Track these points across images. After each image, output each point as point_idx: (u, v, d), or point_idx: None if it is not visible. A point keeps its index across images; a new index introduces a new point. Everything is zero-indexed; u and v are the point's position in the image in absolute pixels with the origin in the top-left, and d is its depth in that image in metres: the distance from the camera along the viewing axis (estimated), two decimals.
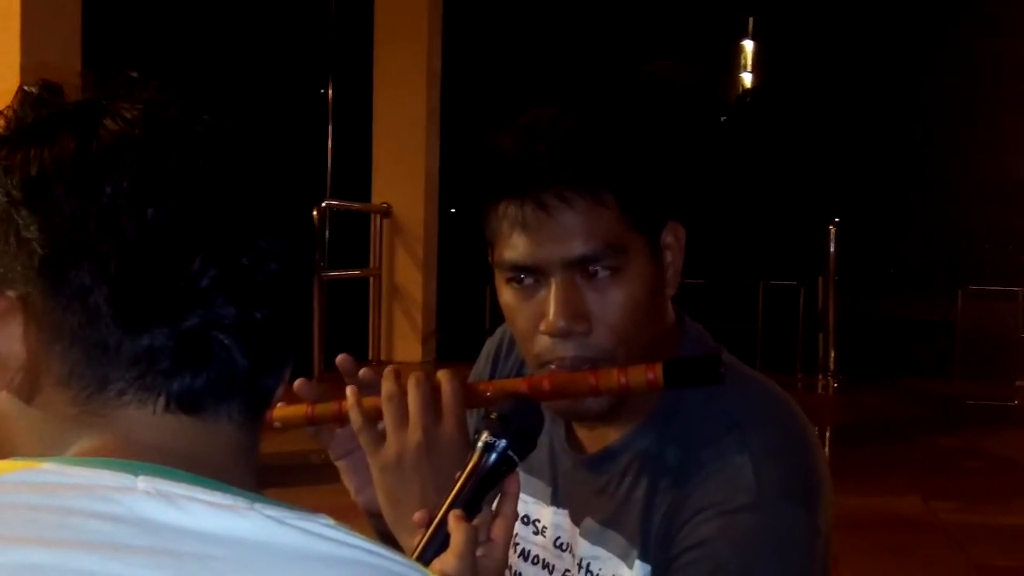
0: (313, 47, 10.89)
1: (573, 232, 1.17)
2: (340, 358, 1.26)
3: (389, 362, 8.07)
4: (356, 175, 8.97)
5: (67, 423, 0.69)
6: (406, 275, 8.41)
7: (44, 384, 0.69)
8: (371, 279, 8.33)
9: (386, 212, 8.31)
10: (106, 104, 0.71)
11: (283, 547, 0.62)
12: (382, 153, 8.46)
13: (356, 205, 8.83)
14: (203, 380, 0.69)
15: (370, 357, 8.09)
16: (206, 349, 0.68)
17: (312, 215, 0.75)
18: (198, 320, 0.67)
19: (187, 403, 0.69)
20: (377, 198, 8.43)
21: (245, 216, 0.69)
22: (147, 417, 0.69)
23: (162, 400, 0.68)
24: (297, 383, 1.21)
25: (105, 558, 0.60)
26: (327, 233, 7.47)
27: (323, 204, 7.36)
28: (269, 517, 0.63)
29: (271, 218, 0.70)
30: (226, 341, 0.68)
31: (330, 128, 10.62)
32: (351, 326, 8.13)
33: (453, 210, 8.66)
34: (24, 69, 4.42)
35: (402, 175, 8.32)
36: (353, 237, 8.62)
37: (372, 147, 8.52)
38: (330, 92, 10.61)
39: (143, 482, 0.63)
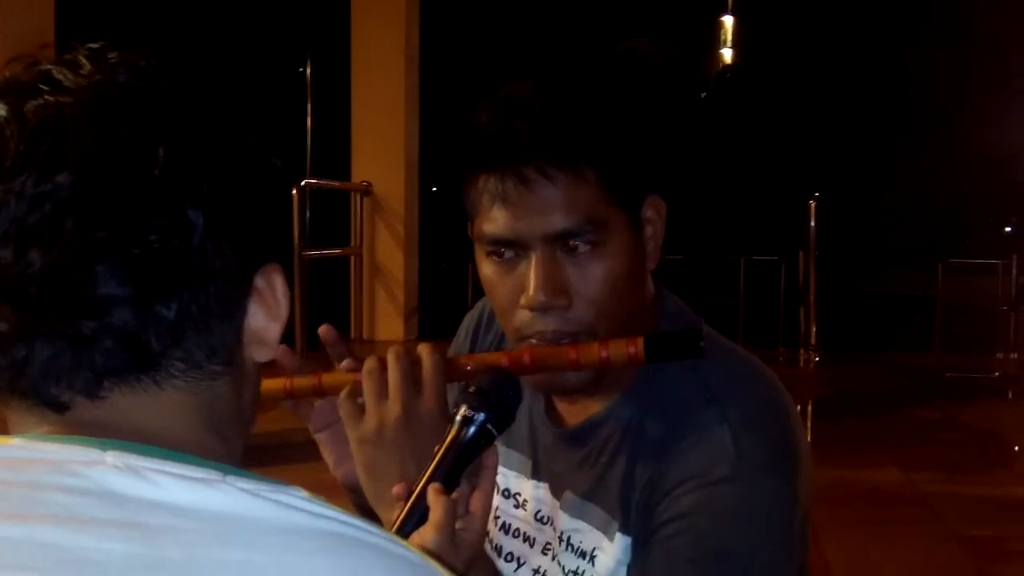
0: (291, 25, 10.83)
1: (554, 206, 1.16)
2: (323, 329, 1.26)
3: (371, 341, 8.06)
4: (336, 154, 8.93)
5: (22, 416, 0.69)
6: (387, 253, 8.40)
7: None
8: (352, 258, 8.31)
9: (366, 190, 8.28)
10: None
11: (257, 519, 0.62)
12: (361, 131, 8.43)
13: (336, 184, 8.80)
14: (109, 361, 0.67)
15: (352, 336, 8.08)
16: (100, 338, 0.66)
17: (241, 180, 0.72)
18: (92, 322, 0.66)
19: (110, 384, 0.68)
20: (357, 177, 8.40)
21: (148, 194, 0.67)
22: (84, 403, 0.68)
23: (79, 390, 0.67)
24: (279, 351, 1.20)
25: (74, 531, 0.60)
26: (307, 212, 7.43)
27: (303, 183, 7.32)
28: (242, 489, 0.63)
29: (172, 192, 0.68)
30: (119, 322, 0.66)
31: (309, 107, 10.57)
32: (333, 305, 8.11)
33: (435, 188, 8.64)
34: None
35: (382, 153, 8.29)
36: (334, 216, 8.59)
37: (351, 125, 8.49)
38: (308, 71, 10.55)
39: (111, 456, 0.63)
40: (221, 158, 0.70)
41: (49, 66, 0.70)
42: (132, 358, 0.67)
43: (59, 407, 0.67)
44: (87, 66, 0.69)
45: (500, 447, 1.35)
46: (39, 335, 0.66)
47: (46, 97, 0.67)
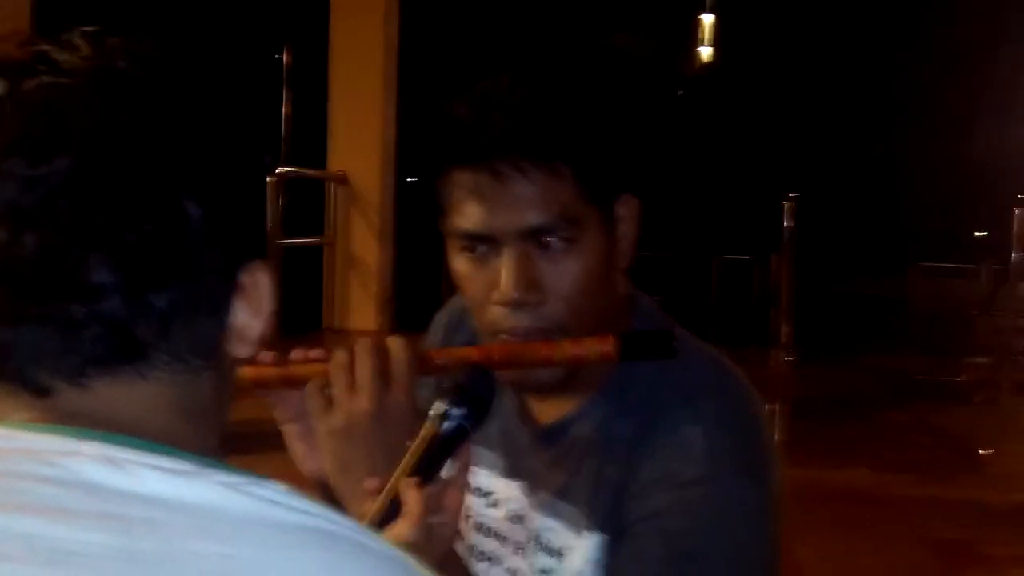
0: (268, 11, 10.77)
1: (528, 202, 1.16)
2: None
3: (343, 330, 8.04)
4: (312, 142, 8.90)
5: (1, 402, 0.68)
6: (362, 243, 8.38)
7: None
8: (325, 247, 8.29)
9: (342, 180, 8.26)
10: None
11: (235, 513, 0.62)
12: (338, 120, 8.41)
13: (311, 172, 8.77)
14: (96, 348, 0.66)
15: (324, 325, 8.07)
16: (89, 324, 0.66)
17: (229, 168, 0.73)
18: (83, 306, 0.65)
19: (95, 372, 0.67)
20: (333, 166, 8.39)
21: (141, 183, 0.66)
22: (67, 391, 0.67)
23: (63, 377, 0.67)
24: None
25: (50, 522, 0.59)
26: (281, 200, 7.41)
27: (278, 171, 7.29)
28: (221, 483, 0.63)
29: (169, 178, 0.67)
30: (110, 309, 0.66)
31: (285, 94, 10.52)
32: (306, 294, 8.09)
33: (410, 179, 8.62)
34: None
35: (358, 143, 8.28)
36: (308, 205, 8.56)
37: (328, 114, 8.46)
38: (285, 58, 10.51)
39: (88, 447, 0.62)
40: (217, 152, 0.71)
41: (45, 46, 0.69)
42: (119, 347, 0.67)
43: (42, 392, 0.66)
44: (85, 49, 0.69)
45: (474, 446, 1.34)
46: (28, 318, 0.65)
47: (43, 77, 0.67)
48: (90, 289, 0.65)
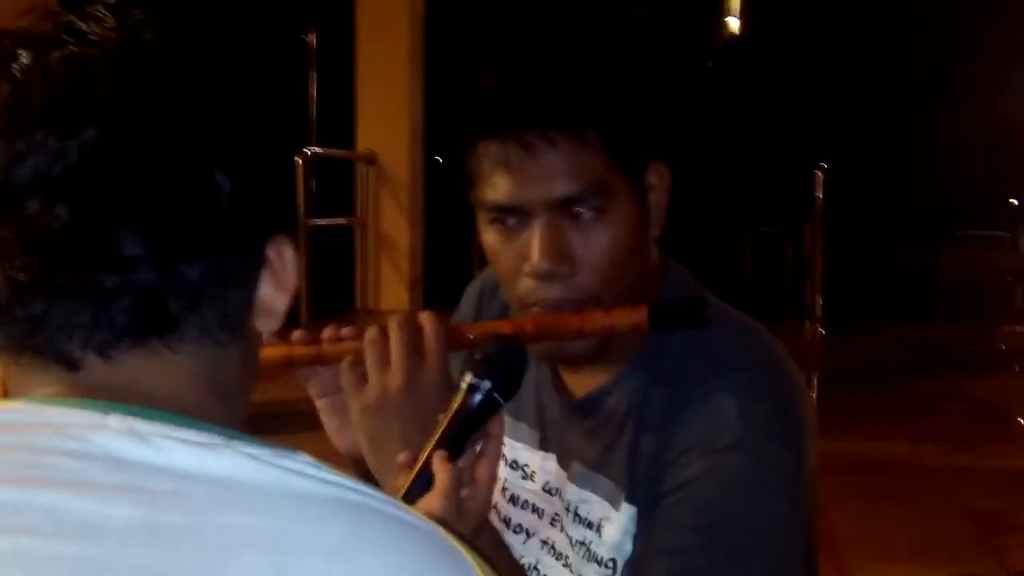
0: None
1: (557, 172, 1.15)
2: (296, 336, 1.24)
3: (375, 311, 8.06)
4: (340, 122, 8.90)
5: (25, 377, 0.68)
6: (392, 223, 8.37)
7: None
8: (356, 227, 8.30)
9: (371, 159, 8.25)
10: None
11: (262, 485, 0.61)
12: (366, 100, 8.39)
13: (340, 152, 8.77)
14: (128, 320, 0.66)
15: (356, 306, 8.08)
16: (121, 295, 0.66)
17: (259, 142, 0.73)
18: (115, 276, 0.65)
19: (125, 345, 0.67)
20: (362, 145, 8.37)
21: (171, 153, 0.66)
22: (96, 364, 0.67)
23: (94, 349, 0.66)
24: (296, 335, 1.19)
25: (76, 496, 0.59)
26: (311, 182, 7.41)
27: (307, 152, 7.29)
28: (247, 454, 0.62)
29: (203, 151, 0.68)
30: (142, 280, 0.66)
31: (313, 75, 10.52)
32: (337, 275, 8.10)
33: (439, 158, 8.60)
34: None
35: (386, 122, 8.25)
36: (338, 185, 8.57)
37: (355, 94, 8.44)
38: (313, 39, 10.50)
39: (114, 420, 0.62)
40: (246, 123, 0.70)
41: (70, 16, 0.69)
42: (151, 318, 0.67)
43: (72, 365, 0.66)
44: (110, 20, 0.69)
45: (508, 419, 1.34)
46: (60, 289, 0.65)
47: (71, 48, 0.67)
48: (122, 260, 0.65)
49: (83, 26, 0.68)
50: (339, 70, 9.05)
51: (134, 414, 0.63)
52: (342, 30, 8.74)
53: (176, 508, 0.59)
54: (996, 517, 4.45)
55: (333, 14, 9.46)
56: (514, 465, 1.35)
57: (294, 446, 0.65)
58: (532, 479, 1.34)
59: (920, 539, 4.22)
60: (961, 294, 9.87)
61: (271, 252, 0.73)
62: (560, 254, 1.16)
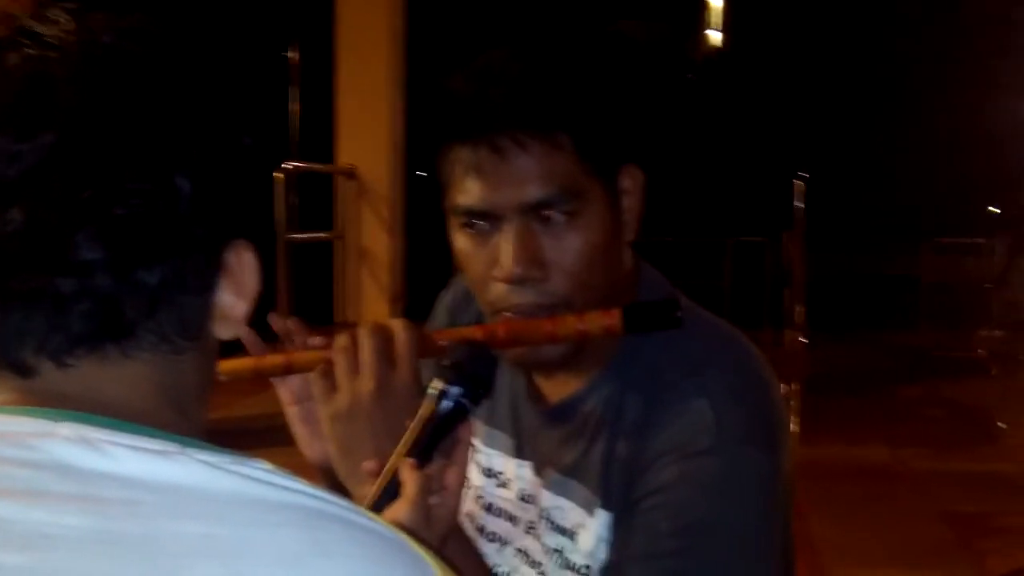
0: (276, 8, 10.77)
1: (528, 176, 1.14)
2: (278, 322, 1.22)
3: (355, 324, 8.00)
4: (321, 137, 8.88)
5: None
6: (372, 237, 8.35)
7: None
8: (336, 241, 8.28)
9: (351, 174, 8.24)
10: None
11: (218, 492, 0.60)
12: (346, 115, 8.37)
13: (320, 167, 8.75)
14: (84, 326, 0.65)
15: (336, 319, 8.05)
16: (77, 300, 0.65)
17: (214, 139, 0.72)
18: (72, 280, 0.64)
19: (81, 351, 0.66)
20: (342, 160, 8.36)
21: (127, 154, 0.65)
22: (50, 371, 0.66)
23: (48, 355, 0.65)
24: (248, 337, 1.18)
25: (26, 506, 0.58)
26: (292, 196, 7.38)
27: (287, 166, 7.27)
28: (202, 462, 0.61)
29: (157, 151, 0.66)
30: (99, 285, 0.65)
31: (294, 91, 10.52)
32: (318, 288, 8.08)
33: (423, 173, 8.58)
34: None
35: (367, 137, 8.24)
36: (318, 199, 8.55)
37: (335, 108, 8.43)
38: (294, 54, 10.50)
39: (65, 428, 0.61)
40: (206, 127, 0.69)
41: (26, 19, 0.68)
42: (107, 324, 0.66)
43: (25, 372, 0.65)
44: (68, 23, 0.68)
45: (483, 427, 1.33)
46: (14, 294, 0.64)
47: (28, 50, 0.66)
48: (79, 264, 0.64)
49: (40, 28, 0.67)
50: (320, 85, 9.04)
51: (86, 421, 0.62)
52: (323, 46, 8.74)
53: (129, 516, 0.58)
54: (977, 521, 4.46)
55: (314, 30, 9.46)
56: (489, 473, 1.35)
57: (269, 460, 0.64)
58: (507, 487, 1.33)
59: (901, 544, 4.23)
60: (940, 301, 9.92)
61: (231, 258, 0.72)
62: (532, 259, 1.15)
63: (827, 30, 13.10)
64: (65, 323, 0.65)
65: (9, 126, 0.64)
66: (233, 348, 1.01)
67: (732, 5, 13.56)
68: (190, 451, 0.62)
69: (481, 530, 1.33)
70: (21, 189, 0.63)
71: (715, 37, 13.76)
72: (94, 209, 0.64)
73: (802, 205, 8.61)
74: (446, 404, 1.05)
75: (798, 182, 8.61)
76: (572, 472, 1.24)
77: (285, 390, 1.24)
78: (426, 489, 1.02)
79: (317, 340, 1.20)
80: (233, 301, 0.72)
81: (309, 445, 1.24)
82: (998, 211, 11.86)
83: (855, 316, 9.72)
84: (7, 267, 0.64)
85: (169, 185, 0.66)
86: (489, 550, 1.30)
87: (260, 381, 1.23)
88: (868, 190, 13.05)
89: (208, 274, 0.70)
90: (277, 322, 1.22)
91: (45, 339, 0.65)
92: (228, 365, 1.20)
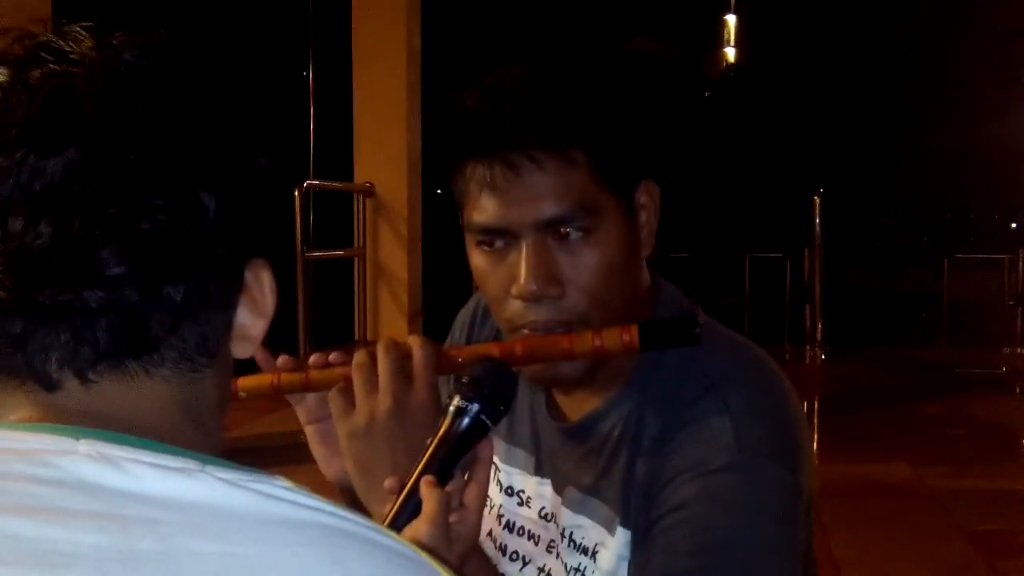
0: (293, 28, 10.85)
1: (543, 192, 1.14)
2: (313, 359, 1.23)
3: (374, 342, 8.03)
4: (339, 155, 8.93)
5: None
6: (390, 254, 8.38)
7: None
8: (355, 259, 8.30)
9: (369, 191, 8.27)
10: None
11: (237, 510, 0.60)
12: (363, 133, 8.41)
13: (338, 185, 8.78)
14: (109, 340, 0.65)
15: (355, 337, 8.07)
16: (104, 314, 0.65)
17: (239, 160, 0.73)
18: (99, 294, 0.64)
19: (103, 367, 0.66)
20: (359, 177, 8.39)
21: (148, 171, 0.65)
22: (73, 386, 0.66)
23: (72, 370, 0.65)
24: (259, 356, 1.18)
25: (44, 523, 0.57)
26: (310, 214, 7.42)
27: (305, 184, 7.30)
28: (221, 479, 0.61)
29: (178, 169, 0.66)
30: (125, 299, 0.65)
31: (312, 109, 10.58)
32: (336, 306, 8.10)
33: (439, 191, 8.61)
34: None
35: (384, 154, 8.27)
36: (336, 217, 8.58)
37: (353, 126, 8.47)
38: (311, 74, 10.58)
39: (85, 445, 0.61)
40: (228, 144, 0.70)
41: (46, 37, 0.68)
42: (131, 339, 0.66)
43: (50, 385, 0.65)
44: (89, 40, 0.68)
45: (503, 444, 1.33)
46: (41, 308, 0.64)
47: (51, 66, 0.66)
48: (106, 279, 0.64)
49: (62, 45, 0.68)
50: (337, 104, 9.09)
51: (106, 439, 0.62)
52: (340, 65, 8.79)
53: (148, 535, 0.58)
54: (1001, 540, 4.43)
55: (331, 49, 9.52)
56: (510, 491, 1.34)
57: (288, 477, 0.63)
58: (528, 505, 1.32)
59: (925, 564, 4.19)
60: (961, 317, 9.87)
61: (249, 276, 0.72)
62: (548, 276, 1.15)
63: (844, 46, 13.09)
64: (91, 337, 0.65)
65: (34, 141, 0.64)
66: (252, 365, 1.01)
67: (748, 22, 13.58)
68: (210, 469, 0.61)
69: (503, 549, 1.33)
70: (48, 203, 0.63)
71: (731, 54, 13.79)
72: (120, 224, 0.64)
73: (820, 221, 8.58)
74: (465, 421, 1.05)
75: (816, 198, 8.59)
76: (592, 490, 1.23)
77: (302, 409, 1.24)
78: (446, 507, 1.01)
79: (334, 356, 1.20)
80: (251, 319, 0.72)
81: (328, 463, 1.24)
82: (1017, 227, 11.79)
83: (875, 332, 9.68)
84: (35, 281, 0.63)
85: (194, 201, 0.66)
86: (510, 569, 1.30)
87: (278, 399, 1.23)
88: (888, 206, 13.02)
89: (228, 292, 0.71)
90: (279, 362, 1.22)
91: (71, 353, 0.65)
92: (247, 382, 1.20)
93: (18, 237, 0.63)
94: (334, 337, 7.72)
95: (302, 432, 1.26)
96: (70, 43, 0.68)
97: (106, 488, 0.59)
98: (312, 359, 1.21)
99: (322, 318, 7.25)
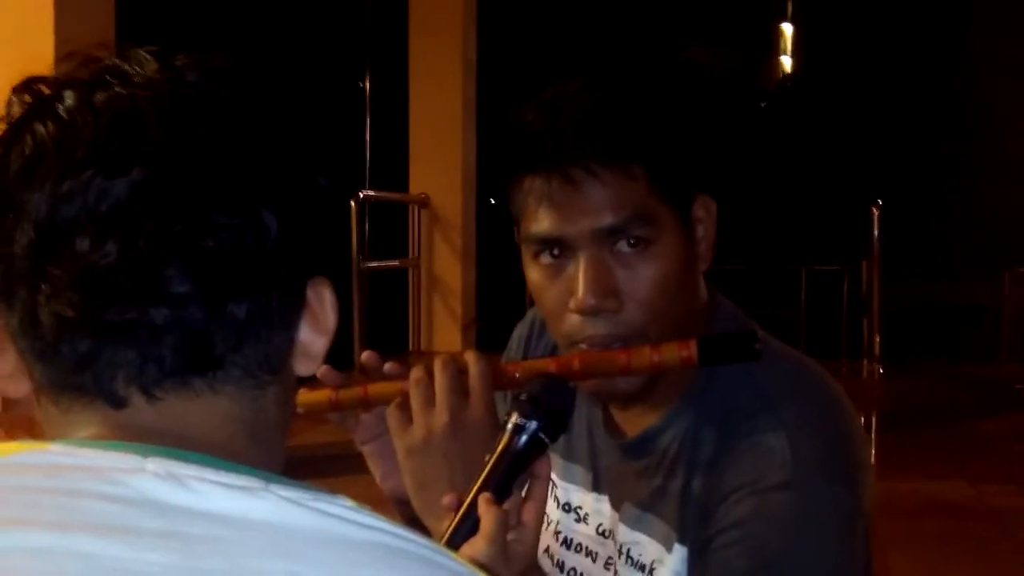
0: (349, 40, 10.93)
1: (601, 204, 1.14)
2: (365, 356, 1.24)
3: (429, 352, 8.07)
4: (394, 166, 8.98)
5: (63, 419, 0.68)
6: (445, 265, 8.41)
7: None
8: (410, 269, 8.34)
9: (424, 202, 8.31)
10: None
11: (301, 529, 0.60)
12: (419, 143, 8.46)
13: (394, 195, 8.84)
14: (176, 357, 0.66)
15: (410, 348, 8.10)
16: (169, 331, 0.66)
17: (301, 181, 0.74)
18: (165, 311, 0.65)
19: (169, 384, 0.67)
20: (415, 188, 8.44)
21: (209, 189, 0.66)
22: (140, 403, 0.67)
23: (139, 387, 0.66)
24: (322, 371, 1.18)
25: (111, 541, 0.58)
26: (366, 224, 7.47)
27: (361, 195, 7.35)
28: (285, 498, 0.61)
29: (240, 189, 0.67)
30: (190, 316, 0.66)
31: (368, 120, 10.65)
32: (391, 317, 8.14)
33: (493, 200, 8.63)
34: (58, 44, 4.44)
35: (439, 165, 8.32)
36: (392, 228, 8.63)
37: (409, 137, 8.53)
38: (368, 84, 10.65)
39: (152, 463, 0.61)
40: (289, 163, 0.71)
41: (111, 61, 0.70)
42: (197, 357, 0.67)
43: (118, 403, 0.66)
44: (153, 63, 0.70)
45: (560, 461, 1.32)
46: (108, 326, 0.65)
47: (116, 89, 0.68)
48: (172, 296, 0.65)
49: (127, 68, 0.69)
50: (393, 115, 9.15)
51: (173, 457, 0.62)
52: (396, 76, 8.85)
53: (214, 554, 0.58)
54: None
55: (387, 60, 9.58)
56: (567, 508, 1.34)
57: (341, 489, 0.64)
58: (585, 521, 1.32)
59: None
60: (1022, 332, 9.69)
61: (310, 294, 0.73)
62: (606, 289, 1.15)
63: (901, 54, 12.96)
64: (158, 354, 0.66)
65: (100, 162, 0.65)
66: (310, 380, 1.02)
67: (804, 31, 13.48)
68: (273, 487, 0.62)
69: (560, 566, 1.32)
70: (114, 223, 0.64)
71: (786, 63, 13.68)
72: (185, 242, 0.65)
73: (878, 233, 8.48)
74: (523, 439, 1.05)
75: (874, 209, 8.49)
76: (650, 507, 1.23)
77: (360, 428, 1.24)
78: (504, 525, 1.01)
79: (389, 366, 1.21)
80: (313, 337, 0.73)
81: (386, 480, 1.24)
82: None
83: (934, 347, 9.54)
84: (102, 300, 0.64)
85: (257, 220, 0.67)
86: None
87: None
88: (947, 217, 12.85)
89: (291, 310, 0.71)
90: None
91: (137, 370, 0.66)
92: (305, 398, 1.21)
93: (85, 257, 0.64)
94: (389, 347, 7.75)
95: (351, 442, 1.26)
96: (135, 66, 0.69)
97: (172, 506, 0.59)
98: (364, 356, 1.22)
99: (377, 328, 7.28)
